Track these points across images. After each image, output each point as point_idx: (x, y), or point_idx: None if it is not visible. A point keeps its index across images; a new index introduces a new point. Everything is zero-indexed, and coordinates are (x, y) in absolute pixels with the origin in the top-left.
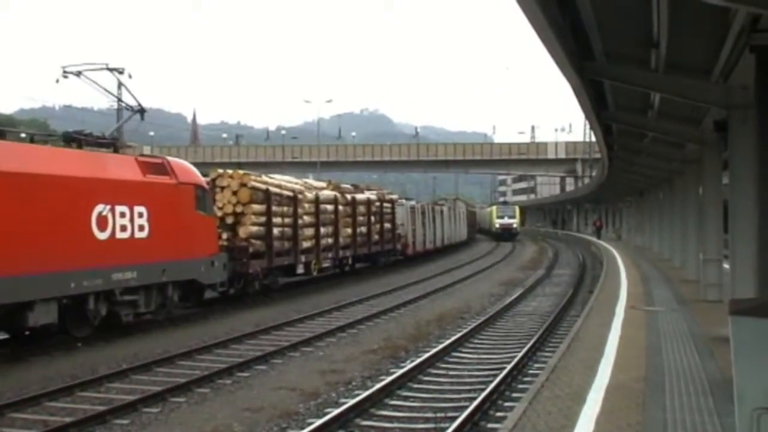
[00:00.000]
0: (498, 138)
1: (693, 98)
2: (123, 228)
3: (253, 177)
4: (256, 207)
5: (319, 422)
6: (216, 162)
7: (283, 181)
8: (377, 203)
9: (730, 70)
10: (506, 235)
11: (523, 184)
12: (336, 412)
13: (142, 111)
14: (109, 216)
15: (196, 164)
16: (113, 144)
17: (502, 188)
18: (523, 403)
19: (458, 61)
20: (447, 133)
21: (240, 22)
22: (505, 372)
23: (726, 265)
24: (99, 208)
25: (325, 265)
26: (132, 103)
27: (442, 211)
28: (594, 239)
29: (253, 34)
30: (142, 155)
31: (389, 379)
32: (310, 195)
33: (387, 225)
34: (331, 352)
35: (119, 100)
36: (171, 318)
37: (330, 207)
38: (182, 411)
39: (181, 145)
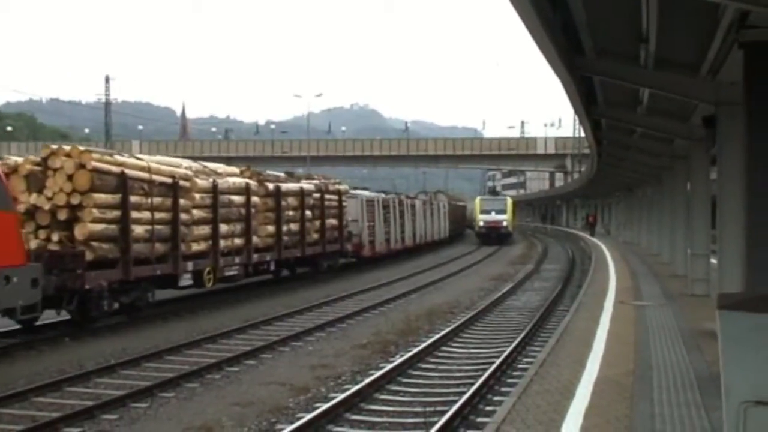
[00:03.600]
0: (488, 133)
1: (681, 94)
2: None
3: (97, 155)
4: (102, 197)
5: (308, 417)
6: (205, 156)
7: (156, 163)
8: (316, 195)
9: (719, 67)
10: (494, 235)
11: (512, 179)
12: (325, 406)
13: None
14: None
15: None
16: None
17: (491, 183)
18: (512, 398)
19: (448, 56)
20: (437, 128)
21: (229, 16)
22: (494, 366)
23: (714, 260)
24: None
25: (230, 273)
26: None
27: (413, 205)
28: (584, 234)
29: (242, 28)
30: None
31: (379, 373)
32: (203, 183)
33: (332, 221)
34: (321, 346)
35: None
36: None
37: (239, 198)
38: (171, 406)
39: (170, 139)
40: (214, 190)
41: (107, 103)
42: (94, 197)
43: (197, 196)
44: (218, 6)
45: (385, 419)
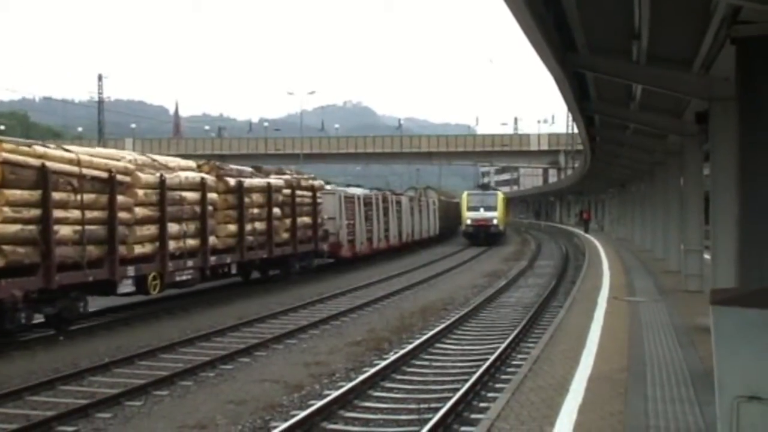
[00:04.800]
0: (481, 129)
1: (674, 90)
2: None
3: (10, 146)
4: (17, 194)
5: (302, 414)
6: (198, 154)
7: (88, 155)
8: (286, 191)
9: (712, 62)
10: (482, 235)
11: (506, 176)
12: (320, 404)
13: None
14: None
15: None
16: None
17: (485, 180)
18: (506, 394)
19: (441, 53)
20: (430, 125)
21: (223, 13)
22: (488, 363)
23: (707, 256)
24: None
25: (182, 277)
26: None
27: (399, 202)
28: (578, 231)
29: (235, 25)
30: None
31: (373, 370)
32: (147, 177)
33: (304, 219)
34: (315, 344)
35: None
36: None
37: (192, 195)
38: (165, 404)
39: (163, 137)
40: (162, 186)
41: (100, 102)
42: (6, 194)
43: (140, 192)
44: (213, 4)
45: (379, 416)
